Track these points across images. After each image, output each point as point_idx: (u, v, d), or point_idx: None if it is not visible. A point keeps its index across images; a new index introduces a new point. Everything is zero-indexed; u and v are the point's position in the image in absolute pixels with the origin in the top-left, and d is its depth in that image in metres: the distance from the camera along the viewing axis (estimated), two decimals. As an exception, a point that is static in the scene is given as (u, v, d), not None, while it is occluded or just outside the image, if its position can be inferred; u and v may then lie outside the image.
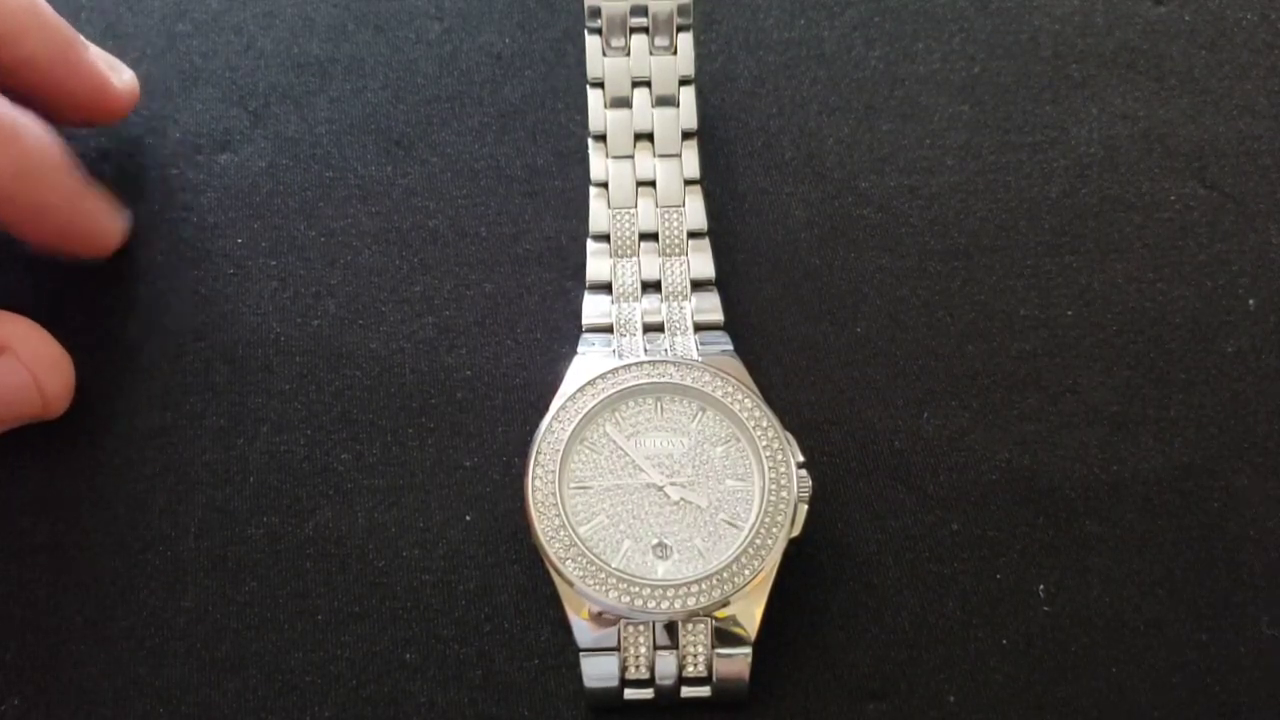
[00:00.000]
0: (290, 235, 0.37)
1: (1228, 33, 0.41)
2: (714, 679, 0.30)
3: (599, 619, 0.30)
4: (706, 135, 0.38)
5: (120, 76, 0.36)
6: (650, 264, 0.35)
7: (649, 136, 0.36)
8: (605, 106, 0.36)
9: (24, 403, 0.32)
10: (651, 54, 0.37)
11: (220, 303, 0.36)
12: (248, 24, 0.40)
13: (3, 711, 0.31)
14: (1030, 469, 0.34)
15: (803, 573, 0.33)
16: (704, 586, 0.30)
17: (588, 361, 0.33)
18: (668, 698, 0.31)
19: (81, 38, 0.36)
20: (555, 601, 0.31)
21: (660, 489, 0.32)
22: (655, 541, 0.31)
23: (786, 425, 0.32)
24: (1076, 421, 0.35)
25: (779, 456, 0.32)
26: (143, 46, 0.39)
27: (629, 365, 0.33)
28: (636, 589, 0.30)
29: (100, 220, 0.35)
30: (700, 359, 0.33)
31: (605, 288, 0.35)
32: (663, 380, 0.33)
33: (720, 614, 0.30)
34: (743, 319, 0.36)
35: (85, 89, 0.35)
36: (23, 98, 0.33)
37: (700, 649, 0.30)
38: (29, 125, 0.32)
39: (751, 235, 0.38)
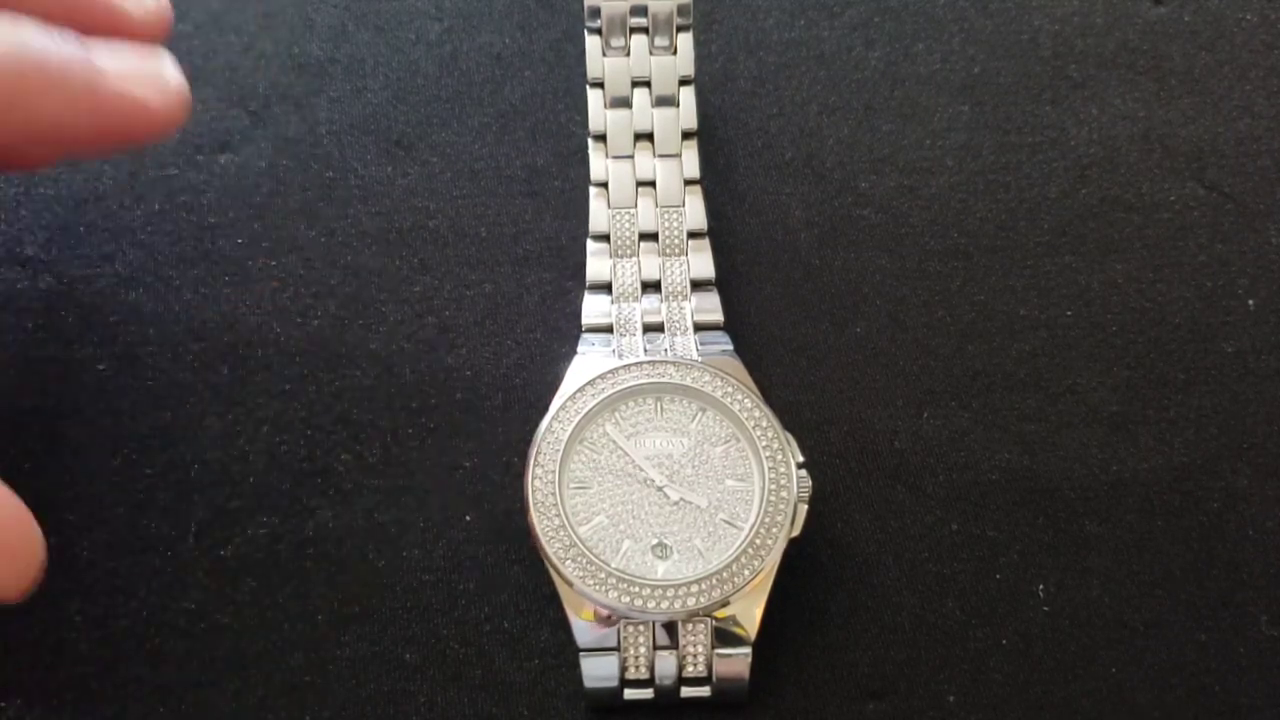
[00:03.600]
0: (290, 235, 0.37)
1: (1228, 33, 0.41)
2: (714, 679, 0.30)
3: (599, 619, 0.30)
4: (706, 135, 0.38)
5: (163, 84, 0.30)
6: (650, 264, 0.35)
7: (649, 136, 0.36)
8: (605, 106, 0.37)
9: None
10: (651, 54, 0.37)
11: (220, 303, 0.36)
12: (248, 24, 0.40)
13: (3, 711, 0.31)
14: (1030, 469, 0.34)
15: (803, 573, 0.33)
16: (704, 586, 0.30)
17: (588, 361, 0.33)
18: (667, 698, 0.31)
19: (95, 65, 0.29)
20: (555, 601, 0.31)
21: (660, 489, 0.32)
22: (655, 541, 0.31)
23: (786, 425, 0.32)
24: (1076, 421, 0.35)
25: (779, 456, 0.32)
26: (143, 46, 0.39)
27: (629, 365, 0.33)
28: (636, 589, 0.30)
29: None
30: (700, 359, 0.33)
31: (605, 288, 0.35)
32: (663, 380, 0.33)
33: (720, 614, 0.30)
34: (743, 319, 0.36)
35: (115, 120, 0.30)
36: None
37: (700, 649, 0.30)
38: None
39: (751, 235, 0.38)
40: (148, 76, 0.30)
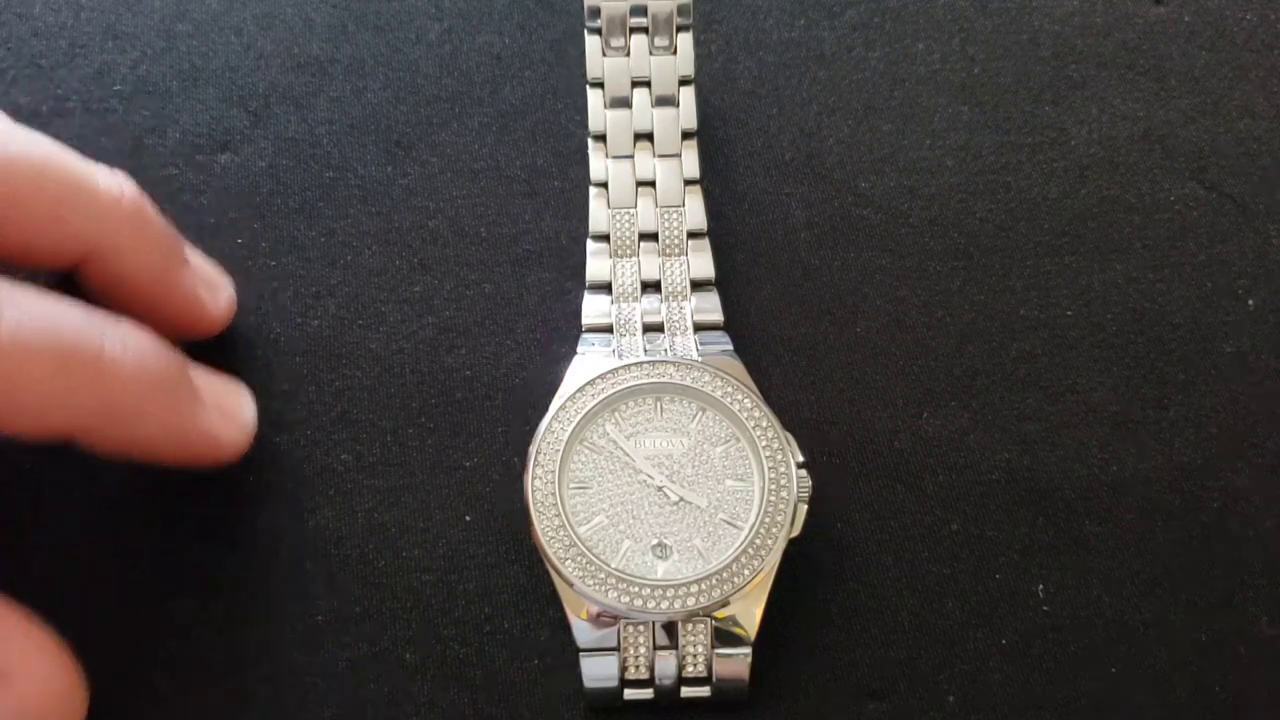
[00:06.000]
0: (290, 235, 0.37)
1: (1228, 33, 0.41)
2: (714, 679, 0.30)
3: (599, 619, 0.30)
4: (706, 135, 0.38)
5: (217, 298, 0.33)
6: (650, 264, 0.35)
7: (649, 136, 0.36)
8: (605, 106, 0.37)
9: None
10: (651, 54, 0.37)
11: (220, 303, 0.36)
12: (248, 24, 0.40)
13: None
14: (1030, 469, 0.34)
15: (803, 573, 0.33)
16: (704, 586, 0.30)
17: (587, 361, 0.33)
18: (668, 698, 0.31)
19: (185, 251, 0.33)
20: (555, 601, 0.31)
21: (660, 489, 0.32)
22: (655, 541, 0.31)
23: (786, 425, 0.32)
24: (1076, 421, 0.35)
25: (779, 456, 0.32)
26: (143, 46, 0.39)
27: (629, 365, 0.33)
28: (636, 589, 0.30)
29: (213, 434, 0.31)
30: (700, 359, 0.33)
31: (605, 288, 0.35)
32: (662, 380, 0.33)
33: (720, 614, 0.30)
34: (743, 319, 0.36)
35: (178, 311, 0.32)
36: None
37: (700, 649, 0.30)
38: (125, 354, 0.28)
39: (751, 235, 0.38)
40: (229, 413, 0.32)
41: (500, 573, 0.33)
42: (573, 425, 0.32)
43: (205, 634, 0.32)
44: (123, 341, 0.28)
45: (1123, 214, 0.38)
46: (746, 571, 0.30)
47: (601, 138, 0.36)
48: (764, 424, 0.32)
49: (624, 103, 0.37)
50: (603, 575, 0.30)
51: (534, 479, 0.31)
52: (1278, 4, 0.41)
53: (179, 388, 0.30)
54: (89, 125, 0.38)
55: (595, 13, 0.36)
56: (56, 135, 0.38)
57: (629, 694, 0.31)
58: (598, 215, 0.36)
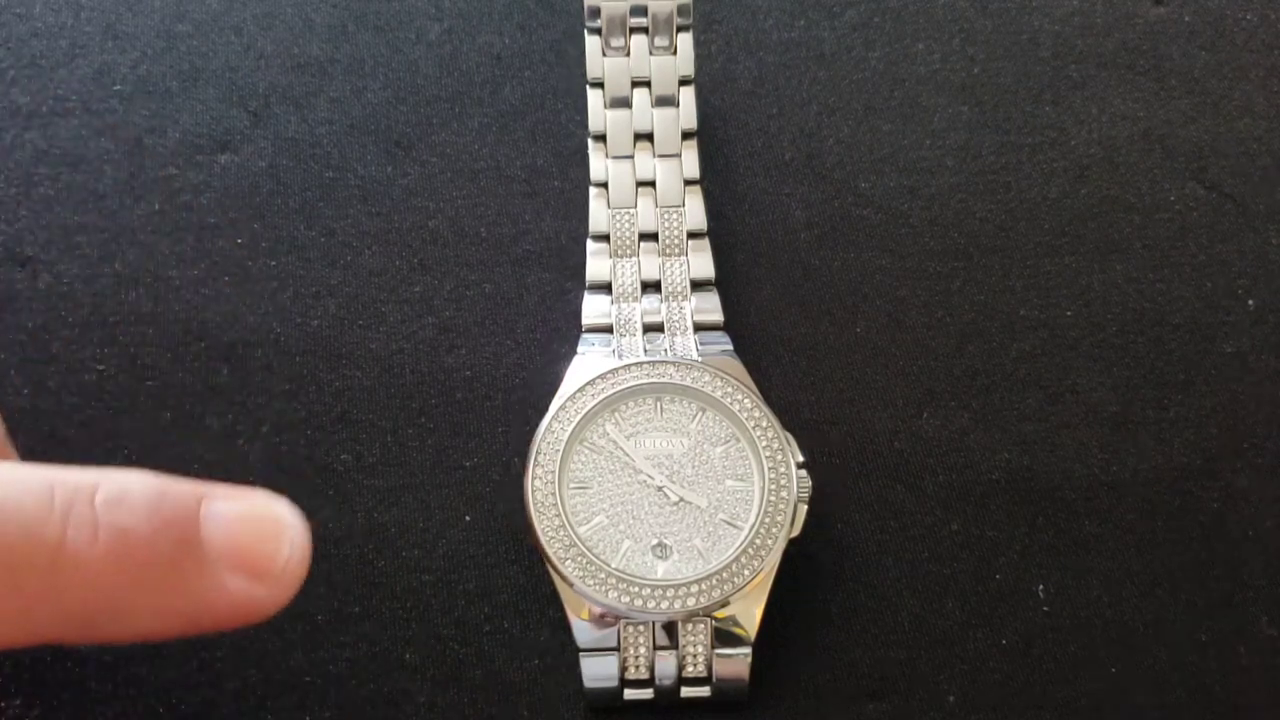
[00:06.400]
0: (290, 235, 0.37)
1: (1228, 33, 0.41)
2: (714, 679, 0.30)
3: (599, 619, 0.30)
4: (706, 135, 0.38)
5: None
6: (650, 264, 0.35)
7: (649, 136, 0.36)
8: (605, 106, 0.37)
9: None
10: (651, 54, 0.37)
11: (220, 303, 0.36)
12: (248, 24, 0.40)
13: (3, 711, 0.31)
14: (1030, 469, 0.34)
15: (803, 573, 0.33)
16: (704, 586, 0.30)
17: (587, 361, 0.33)
18: (668, 698, 0.31)
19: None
20: (555, 601, 0.31)
21: (660, 489, 0.32)
22: (655, 541, 0.31)
23: (786, 425, 0.32)
24: (1076, 421, 0.35)
25: (779, 456, 0.32)
26: (143, 46, 0.39)
27: (629, 365, 0.33)
28: (636, 589, 0.30)
29: (233, 606, 0.24)
30: (700, 359, 0.33)
31: (605, 288, 0.35)
32: (662, 380, 0.33)
33: (720, 614, 0.30)
34: (743, 319, 0.36)
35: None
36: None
37: (700, 649, 0.30)
38: (95, 543, 0.22)
39: (751, 235, 0.38)
40: (259, 568, 0.25)
41: (500, 573, 0.33)
42: (573, 425, 0.32)
43: (205, 634, 0.32)
44: (92, 525, 0.22)
45: (1123, 214, 0.38)
46: (746, 571, 0.30)
47: (601, 138, 0.36)
48: (764, 424, 0.32)
49: (624, 103, 0.37)
50: (603, 575, 0.30)
51: (534, 479, 0.31)
52: (1278, 4, 0.41)
53: (178, 566, 0.23)
54: (89, 125, 0.38)
55: (595, 13, 0.36)
56: (56, 135, 0.38)
57: (629, 694, 0.31)
58: (598, 215, 0.36)
